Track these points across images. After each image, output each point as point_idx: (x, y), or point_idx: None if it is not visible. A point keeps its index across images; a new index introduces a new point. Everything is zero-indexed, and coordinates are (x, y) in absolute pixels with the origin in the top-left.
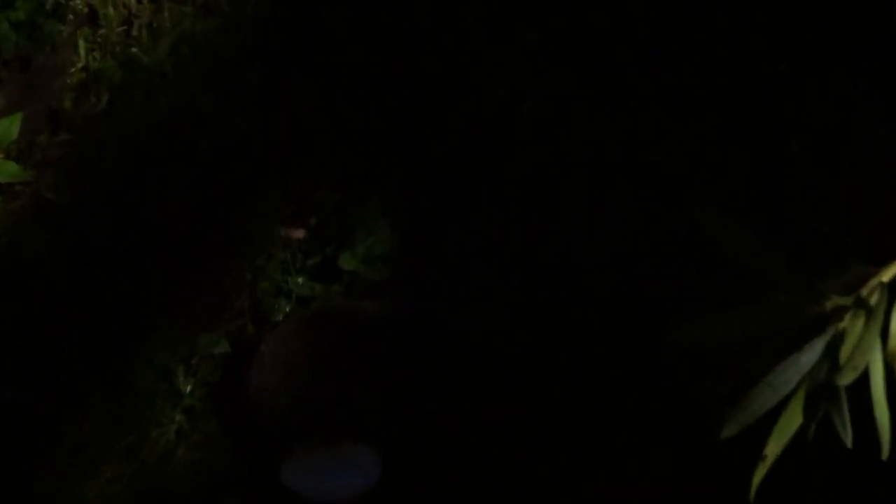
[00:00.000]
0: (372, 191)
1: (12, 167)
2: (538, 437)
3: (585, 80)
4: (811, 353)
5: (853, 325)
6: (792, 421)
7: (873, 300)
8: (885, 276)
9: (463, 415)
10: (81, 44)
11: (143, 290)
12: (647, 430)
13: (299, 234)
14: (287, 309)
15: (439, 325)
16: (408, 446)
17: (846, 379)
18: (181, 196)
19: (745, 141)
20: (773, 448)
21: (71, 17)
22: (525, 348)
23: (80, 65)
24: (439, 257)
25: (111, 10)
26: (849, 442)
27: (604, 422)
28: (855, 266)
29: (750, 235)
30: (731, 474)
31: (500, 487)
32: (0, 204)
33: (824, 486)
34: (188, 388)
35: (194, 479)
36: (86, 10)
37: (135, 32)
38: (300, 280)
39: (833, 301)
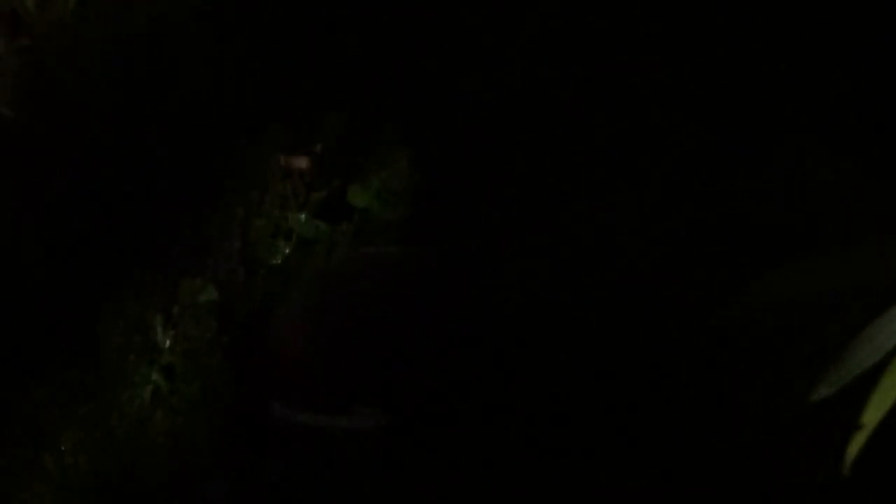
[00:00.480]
0: (388, 115)
1: None
2: (577, 398)
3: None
4: None
5: None
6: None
7: None
8: None
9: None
10: None
11: (112, 227)
12: (723, 390)
13: (302, 163)
14: (286, 251)
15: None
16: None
17: None
18: (159, 118)
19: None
20: (873, 414)
21: None
22: (572, 297)
23: None
24: (464, 195)
25: None
26: None
27: (666, 379)
28: None
29: (854, 172)
30: (823, 445)
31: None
32: None
33: None
34: (167, 343)
35: (172, 451)
36: None
37: None
38: (302, 217)
39: None
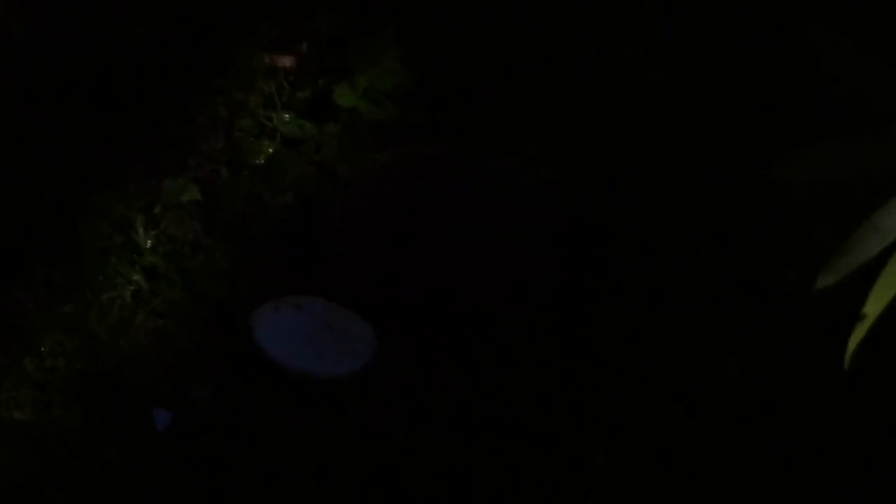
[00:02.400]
0: (377, 10)
1: None
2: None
3: None
4: None
5: None
6: None
7: None
8: None
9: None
10: None
11: (92, 125)
12: (728, 283)
13: (287, 61)
14: (270, 151)
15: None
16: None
17: None
18: (139, 13)
19: None
20: (875, 305)
21: None
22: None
23: None
24: (459, 94)
25: None
26: None
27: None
28: None
29: (866, 57)
30: (824, 336)
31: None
32: None
33: None
34: (148, 243)
35: (154, 353)
36: None
37: None
38: (287, 117)
39: None
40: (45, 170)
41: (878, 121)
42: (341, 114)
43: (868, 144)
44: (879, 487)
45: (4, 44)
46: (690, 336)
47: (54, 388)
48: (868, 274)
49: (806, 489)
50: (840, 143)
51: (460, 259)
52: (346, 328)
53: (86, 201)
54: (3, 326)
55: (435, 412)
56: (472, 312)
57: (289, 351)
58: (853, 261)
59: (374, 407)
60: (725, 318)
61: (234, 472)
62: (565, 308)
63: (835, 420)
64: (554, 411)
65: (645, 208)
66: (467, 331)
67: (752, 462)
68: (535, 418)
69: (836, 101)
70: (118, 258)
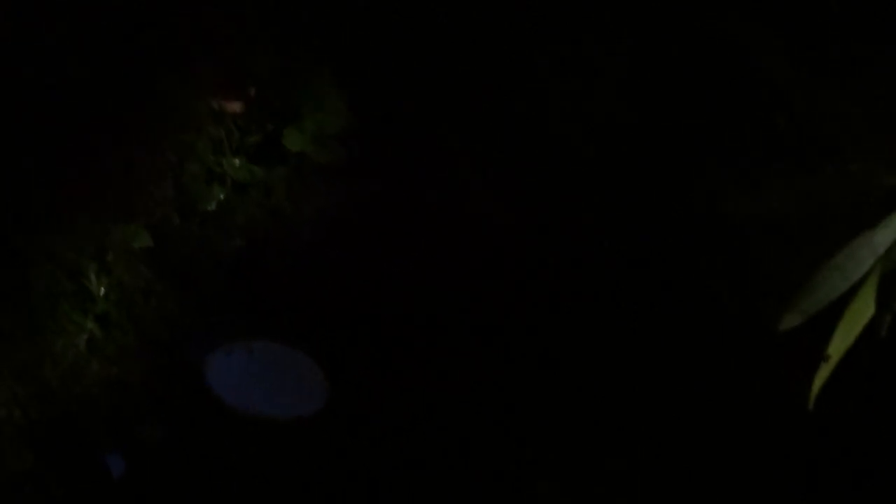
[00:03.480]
0: (322, 54)
1: None
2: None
3: None
4: (887, 232)
5: None
6: (862, 311)
7: None
8: None
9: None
10: None
11: (40, 171)
12: (689, 321)
13: (235, 106)
14: (221, 196)
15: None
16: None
17: None
18: (86, 55)
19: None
20: (839, 345)
21: None
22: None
23: None
24: (404, 136)
25: None
26: None
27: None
28: None
29: (826, 91)
30: (789, 377)
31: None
32: None
33: None
34: (101, 291)
35: (107, 399)
36: None
37: None
38: (237, 162)
39: None
40: None
41: (831, 154)
42: (290, 157)
43: (823, 181)
44: None
45: None
46: (641, 366)
47: (7, 437)
48: (832, 313)
49: None
50: (795, 179)
51: (407, 295)
52: (298, 371)
53: (32, 247)
54: None
55: (383, 449)
56: (422, 346)
57: (241, 394)
58: (817, 302)
59: (326, 447)
60: (677, 354)
61: None
62: (512, 338)
63: (798, 459)
64: (502, 442)
65: (587, 241)
66: (417, 366)
67: (713, 497)
68: (484, 448)
69: (785, 133)
70: (70, 305)
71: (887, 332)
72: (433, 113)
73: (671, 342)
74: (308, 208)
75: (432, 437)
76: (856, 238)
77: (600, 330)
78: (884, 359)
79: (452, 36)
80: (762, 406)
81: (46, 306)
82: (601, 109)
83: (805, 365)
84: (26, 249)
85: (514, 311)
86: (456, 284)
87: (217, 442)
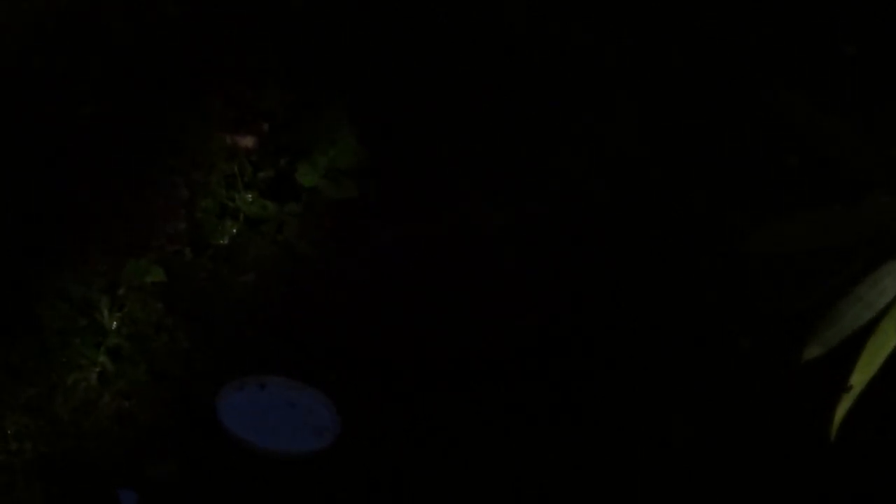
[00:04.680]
0: (335, 91)
1: None
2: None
3: None
4: None
5: None
6: (885, 342)
7: None
8: None
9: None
10: None
11: (53, 207)
12: (709, 354)
13: (248, 142)
14: (233, 231)
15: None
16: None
17: None
18: (97, 93)
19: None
20: (861, 376)
21: None
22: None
23: None
24: (417, 173)
25: None
26: None
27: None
28: None
29: (845, 126)
30: (810, 406)
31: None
32: None
33: None
34: (113, 325)
35: (118, 434)
36: None
37: None
38: (249, 197)
39: None
40: (4, 250)
41: (851, 188)
42: (303, 193)
43: (842, 214)
44: None
45: None
46: (663, 400)
47: (18, 470)
48: (854, 343)
49: None
50: (815, 214)
51: (421, 332)
52: (310, 406)
53: (43, 280)
54: None
55: (395, 487)
56: (435, 385)
57: (253, 429)
58: (840, 332)
59: (337, 483)
60: (697, 386)
61: None
62: (529, 383)
63: (819, 490)
64: (516, 485)
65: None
66: (430, 403)
67: None
68: (498, 490)
69: (805, 168)
70: (82, 340)
71: None
72: (447, 148)
73: (691, 374)
74: (321, 244)
75: (445, 476)
76: (879, 268)
77: (621, 373)
78: None
79: (467, 74)
80: (784, 436)
81: (57, 340)
82: (612, 145)
83: (827, 395)
84: (37, 283)
85: (530, 356)
86: (472, 324)
87: (228, 476)
